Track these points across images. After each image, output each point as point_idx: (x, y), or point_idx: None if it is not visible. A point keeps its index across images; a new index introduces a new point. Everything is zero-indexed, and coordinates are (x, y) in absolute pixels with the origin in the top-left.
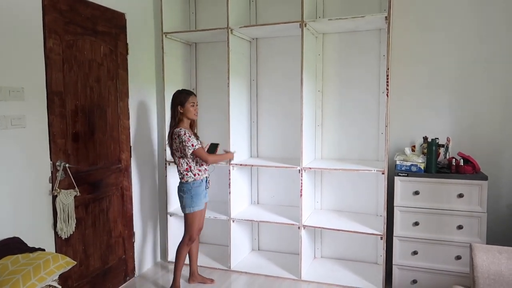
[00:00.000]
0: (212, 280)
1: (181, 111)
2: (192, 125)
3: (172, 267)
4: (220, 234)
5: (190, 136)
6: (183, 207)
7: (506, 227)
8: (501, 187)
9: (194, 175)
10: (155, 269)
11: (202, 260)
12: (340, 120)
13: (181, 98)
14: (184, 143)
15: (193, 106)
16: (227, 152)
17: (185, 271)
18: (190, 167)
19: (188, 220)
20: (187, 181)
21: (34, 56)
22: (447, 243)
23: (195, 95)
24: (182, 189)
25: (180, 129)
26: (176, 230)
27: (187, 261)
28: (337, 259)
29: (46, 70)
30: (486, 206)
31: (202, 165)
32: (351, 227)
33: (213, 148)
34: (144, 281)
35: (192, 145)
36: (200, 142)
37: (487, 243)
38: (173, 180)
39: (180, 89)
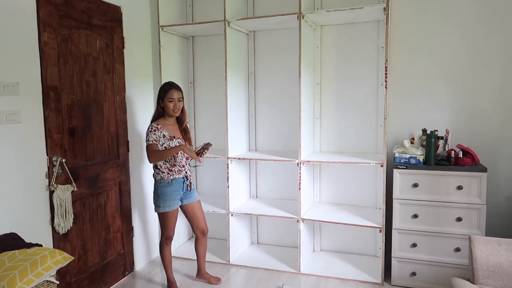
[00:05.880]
0: (218, 279)
1: (162, 105)
2: (180, 121)
3: None
4: (219, 228)
5: (151, 131)
6: (154, 204)
7: (505, 219)
8: (500, 179)
9: (162, 173)
10: (154, 264)
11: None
12: (338, 113)
13: (161, 92)
14: (146, 137)
15: (172, 101)
16: (203, 145)
17: (189, 266)
18: (157, 164)
19: (159, 220)
20: (155, 178)
21: (28, 51)
22: (446, 235)
23: (178, 89)
24: (153, 186)
25: (151, 125)
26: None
27: (188, 256)
28: (336, 252)
29: (41, 65)
30: (485, 198)
31: (175, 165)
32: (350, 220)
33: (203, 148)
34: (143, 276)
35: (148, 139)
36: (181, 139)
37: (486, 235)
38: None
39: (168, 81)
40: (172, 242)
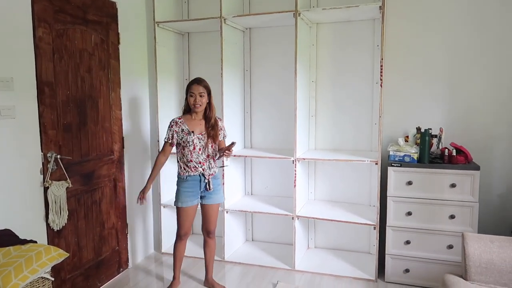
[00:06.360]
0: None
1: (187, 100)
2: (207, 117)
3: (165, 258)
4: None
5: (168, 127)
6: None
7: (498, 216)
8: (493, 177)
9: (180, 168)
10: (148, 260)
11: (197, 251)
12: (333, 111)
13: (186, 88)
14: None
15: (192, 96)
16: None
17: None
18: (178, 158)
19: (176, 214)
20: (177, 171)
21: (23, 46)
22: (439, 232)
23: (200, 84)
24: None
25: (172, 119)
26: (169, 222)
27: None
28: (330, 249)
29: (36, 60)
30: (478, 196)
31: (191, 160)
32: (345, 217)
33: (227, 148)
34: (137, 272)
35: (165, 136)
36: (202, 135)
37: (478, 232)
38: (166, 171)
39: (197, 77)
40: (169, 238)
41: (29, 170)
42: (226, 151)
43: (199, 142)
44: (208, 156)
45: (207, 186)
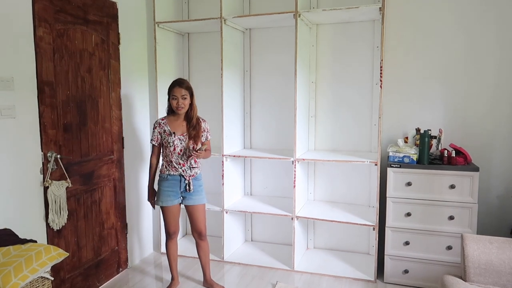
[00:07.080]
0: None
1: (169, 102)
2: (188, 117)
3: (164, 258)
4: (213, 225)
5: (153, 129)
6: None
7: (496, 218)
8: (492, 178)
9: (162, 165)
10: (148, 261)
11: (195, 250)
12: (333, 111)
13: (168, 90)
14: None
15: (175, 99)
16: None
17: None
18: (162, 157)
19: (161, 213)
20: (160, 170)
21: (24, 45)
22: (438, 233)
23: (181, 87)
24: None
25: (156, 120)
26: None
27: (183, 254)
28: (329, 249)
29: (36, 60)
30: (477, 197)
31: (172, 161)
32: (344, 218)
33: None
34: (137, 273)
35: (151, 138)
36: (184, 136)
37: (477, 233)
38: None
39: (178, 78)
40: (164, 237)
41: (29, 169)
42: (194, 152)
43: (180, 143)
44: (189, 157)
45: (187, 187)
